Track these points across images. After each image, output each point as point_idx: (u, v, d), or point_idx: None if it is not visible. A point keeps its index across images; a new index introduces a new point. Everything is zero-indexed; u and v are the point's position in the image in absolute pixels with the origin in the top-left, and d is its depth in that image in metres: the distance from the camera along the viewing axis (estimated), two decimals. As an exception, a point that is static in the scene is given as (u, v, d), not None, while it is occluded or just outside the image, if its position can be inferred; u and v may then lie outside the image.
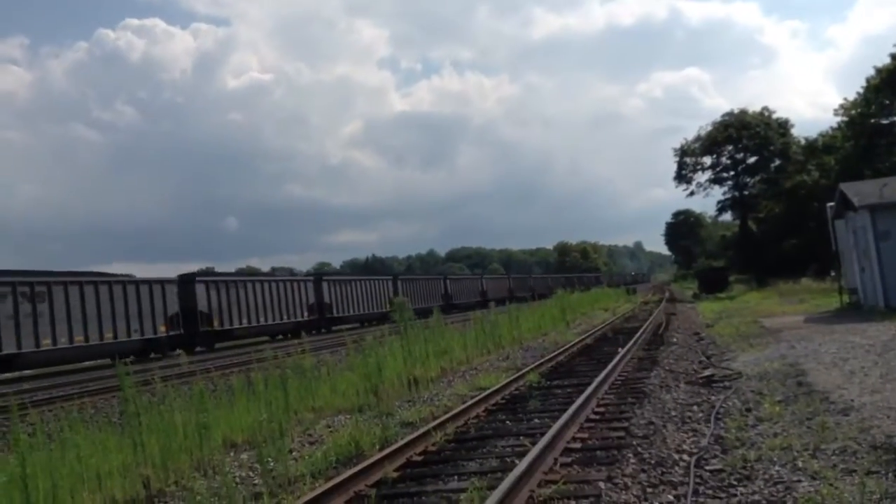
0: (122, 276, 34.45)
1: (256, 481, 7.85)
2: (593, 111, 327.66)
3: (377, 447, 8.61)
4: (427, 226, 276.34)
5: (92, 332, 30.03)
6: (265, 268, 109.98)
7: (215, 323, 36.79)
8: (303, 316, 44.05)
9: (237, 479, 7.84)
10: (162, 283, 34.92)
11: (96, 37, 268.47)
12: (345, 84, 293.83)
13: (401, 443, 8.21)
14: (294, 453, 8.95)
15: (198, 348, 35.48)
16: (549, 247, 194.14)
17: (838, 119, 53.40)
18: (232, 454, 9.30)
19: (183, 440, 8.66)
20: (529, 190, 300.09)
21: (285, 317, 42.81)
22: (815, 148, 57.01)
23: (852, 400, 8.43)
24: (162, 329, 33.96)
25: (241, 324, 38.73)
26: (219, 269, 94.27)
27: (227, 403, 10.91)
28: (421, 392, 13.62)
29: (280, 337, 41.20)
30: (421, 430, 8.81)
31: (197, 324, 35.99)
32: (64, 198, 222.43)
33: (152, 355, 32.21)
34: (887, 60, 44.69)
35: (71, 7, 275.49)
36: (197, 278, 37.83)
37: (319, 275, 53.07)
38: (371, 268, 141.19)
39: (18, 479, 6.69)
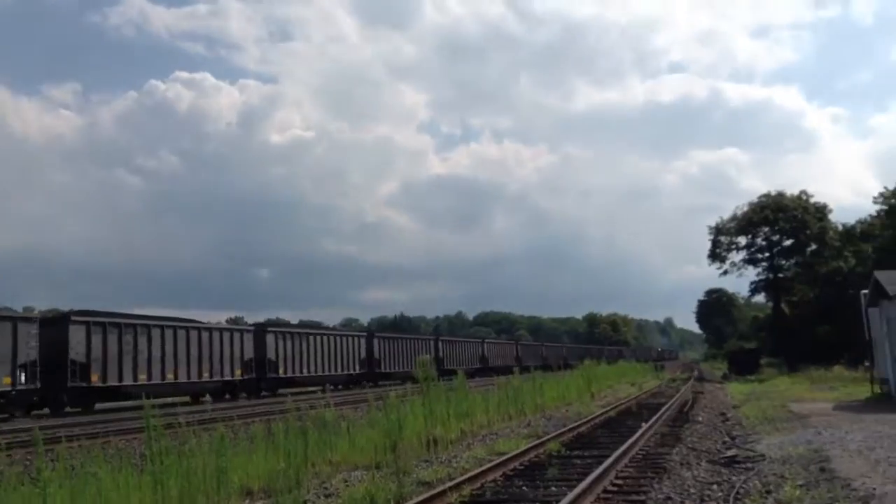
0: (205, 323, 37.39)
1: (270, 528, 7.90)
2: (629, 185, 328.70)
3: (392, 503, 8.63)
4: (456, 287, 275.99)
5: (181, 371, 32.81)
6: (294, 320, 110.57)
7: (280, 370, 39.24)
8: (355, 369, 46.24)
9: (251, 525, 7.90)
10: (241, 331, 38.28)
11: (147, 87, 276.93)
12: (384, 145, 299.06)
13: (415, 500, 8.24)
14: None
15: (263, 392, 37.75)
16: (579, 316, 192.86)
17: (877, 207, 53.10)
18: (248, 500, 9.37)
19: (202, 483, 8.76)
20: (561, 258, 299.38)
21: (340, 369, 45.09)
22: (853, 234, 56.53)
23: (874, 488, 8.29)
24: (238, 373, 36.48)
25: (301, 373, 40.83)
26: (248, 319, 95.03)
27: (246, 450, 11.01)
28: (440, 453, 13.59)
29: (331, 387, 40.24)
30: (437, 490, 8.83)
31: (265, 370, 38.52)
32: (105, 241, 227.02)
33: (227, 396, 35.21)
34: (929, 151, 44.56)
35: (124, 57, 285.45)
36: (268, 328, 41.12)
37: (372, 331, 55.37)
38: (399, 326, 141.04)
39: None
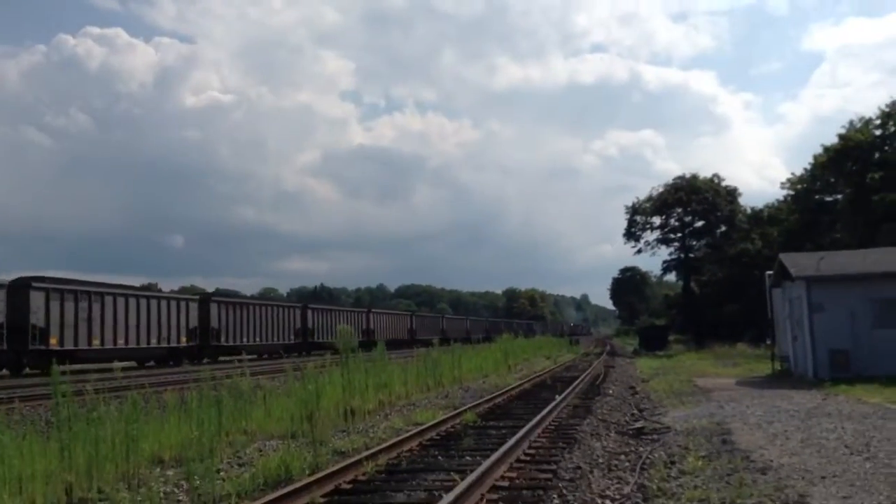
0: (155, 292, 41.11)
1: (181, 498, 7.78)
2: (549, 163, 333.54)
3: (307, 473, 8.61)
4: (377, 260, 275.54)
5: (130, 337, 34.19)
6: (210, 288, 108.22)
7: (222, 339, 40.70)
8: (290, 339, 47.87)
9: (162, 494, 7.76)
10: (187, 300, 39.99)
11: (56, 41, 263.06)
12: (306, 112, 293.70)
13: (331, 469, 8.25)
14: (222, 473, 8.88)
15: (205, 360, 37.86)
16: (498, 291, 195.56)
17: (784, 192, 55.42)
18: (159, 469, 9.18)
19: (110, 450, 8.53)
20: (482, 234, 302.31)
21: (277, 338, 46.80)
22: (761, 218, 58.96)
23: (772, 460, 8.75)
24: (183, 340, 38.05)
25: (242, 341, 42.06)
26: (162, 286, 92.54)
27: (157, 419, 10.76)
28: (357, 423, 13.62)
29: (266, 356, 44.30)
30: (352, 459, 8.86)
31: (209, 338, 40.03)
32: (10, 200, 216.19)
33: (171, 363, 36.21)
34: (835, 140, 46.67)
35: (30, 9, 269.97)
36: (213, 298, 42.54)
37: (306, 303, 55.43)
38: (320, 297, 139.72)
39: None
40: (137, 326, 34.43)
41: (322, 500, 7.33)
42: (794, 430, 11.18)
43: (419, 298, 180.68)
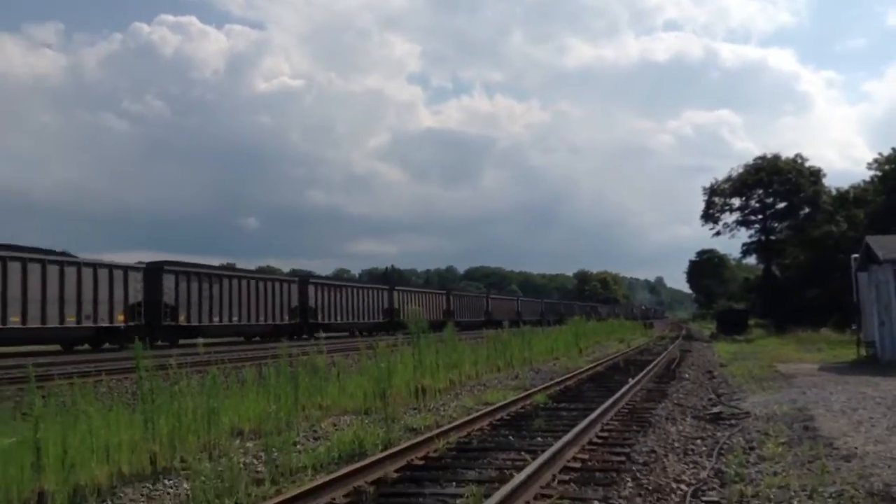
0: (257, 273, 42.88)
1: (260, 468, 8.00)
2: (622, 143, 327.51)
3: (380, 448, 8.73)
4: (446, 242, 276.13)
5: (244, 315, 37.55)
6: (286, 269, 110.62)
7: (319, 317, 42.75)
8: (378, 318, 50.11)
9: (241, 464, 7.99)
10: (289, 282, 42.68)
11: (131, 29, 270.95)
12: (374, 96, 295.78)
13: (403, 445, 8.35)
14: (298, 446, 9.10)
15: (304, 336, 39.63)
16: (569, 273, 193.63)
17: (871, 173, 53.06)
18: (238, 441, 9.47)
19: (192, 422, 8.83)
20: (552, 215, 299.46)
21: (366, 318, 49.56)
22: (846, 199, 56.55)
23: (856, 448, 8.42)
24: (286, 318, 40.33)
25: (336, 319, 45.08)
26: (239, 266, 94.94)
27: (237, 393, 11.08)
28: (428, 402, 13.74)
29: (357, 333, 44.23)
30: (424, 436, 8.94)
31: (307, 316, 42.40)
32: (90, 183, 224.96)
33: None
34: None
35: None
36: (310, 280, 45.93)
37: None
38: (390, 279, 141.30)
39: (31, 443, 6.89)
40: (248, 305, 38.31)
41: (395, 474, 7.43)
42: (881, 417, 10.73)
43: (489, 280, 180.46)
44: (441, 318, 55.73)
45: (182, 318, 34.15)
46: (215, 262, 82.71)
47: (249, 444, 9.23)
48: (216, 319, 36.15)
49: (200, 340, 27.01)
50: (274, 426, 9.16)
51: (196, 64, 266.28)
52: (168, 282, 33.61)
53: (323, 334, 35.00)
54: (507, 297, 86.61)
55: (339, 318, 46.45)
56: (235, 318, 37.43)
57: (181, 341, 32.36)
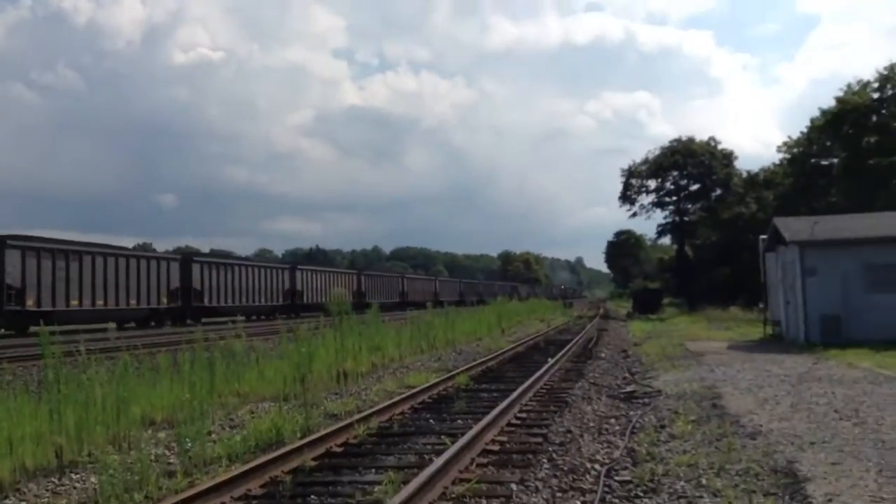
0: (132, 250, 39.42)
1: (172, 460, 7.80)
2: (543, 125, 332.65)
3: (298, 435, 8.63)
4: (372, 221, 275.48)
5: (110, 298, 33.75)
6: (205, 248, 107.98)
7: (205, 300, 39.97)
8: (278, 300, 47.32)
9: (152, 457, 7.77)
10: (168, 259, 39.67)
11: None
12: (298, 70, 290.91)
13: (322, 433, 8.27)
14: (213, 436, 8.91)
15: (188, 322, 37.16)
16: (493, 254, 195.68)
17: (780, 156, 55.18)
18: (150, 431, 9.20)
19: (101, 413, 8.52)
20: (476, 196, 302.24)
21: (264, 300, 46.51)
22: (756, 182, 58.73)
23: (761, 425, 8.78)
24: (164, 301, 37.60)
25: (226, 302, 42.01)
26: (157, 246, 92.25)
27: (149, 381, 10.75)
28: (349, 386, 13.67)
29: (254, 318, 44.11)
30: (344, 422, 8.88)
31: (190, 299, 39.54)
32: (1, 159, 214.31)
33: (152, 323, 35.60)
34: (832, 103, 46.33)
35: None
36: (194, 258, 42.24)
37: (295, 264, 54.72)
38: (314, 258, 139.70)
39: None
40: (116, 286, 33.83)
41: (313, 462, 7.35)
42: (785, 394, 11.22)
43: (414, 261, 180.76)
44: (352, 299, 55.42)
45: (30, 303, 29.18)
46: (130, 242, 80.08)
47: (161, 435, 8.97)
48: (75, 303, 31.37)
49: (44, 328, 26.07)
50: (188, 415, 8.91)
51: (109, 33, 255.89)
52: (12, 259, 28.44)
53: (207, 320, 33.89)
54: (424, 277, 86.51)
55: (230, 300, 42.55)
56: (101, 302, 32.88)
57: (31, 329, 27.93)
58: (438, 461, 6.58)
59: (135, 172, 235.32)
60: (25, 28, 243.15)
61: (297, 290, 50.13)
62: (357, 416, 9.24)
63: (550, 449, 7.86)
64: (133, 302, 34.96)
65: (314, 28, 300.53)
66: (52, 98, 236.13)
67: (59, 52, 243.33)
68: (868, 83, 45.38)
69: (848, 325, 19.75)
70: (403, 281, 70.39)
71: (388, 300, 60.65)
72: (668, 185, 62.37)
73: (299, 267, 52.86)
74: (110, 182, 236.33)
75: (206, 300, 40.37)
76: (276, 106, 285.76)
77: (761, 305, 27.50)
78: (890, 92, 44.60)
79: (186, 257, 42.00)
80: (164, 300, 37.25)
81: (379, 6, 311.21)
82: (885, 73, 44.48)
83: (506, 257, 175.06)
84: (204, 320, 34.82)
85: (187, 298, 39.01)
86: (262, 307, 46.23)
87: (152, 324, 36.18)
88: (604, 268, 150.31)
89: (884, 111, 44.67)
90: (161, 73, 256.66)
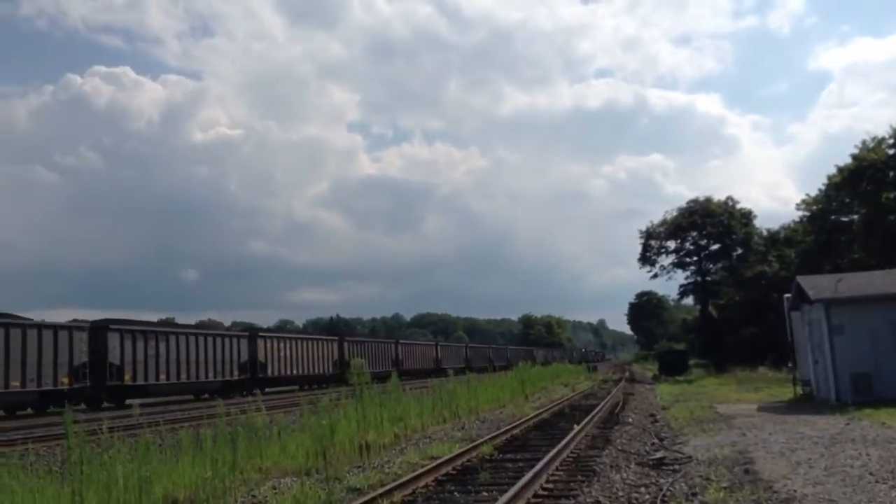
0: (208, 329, 40.00)
1: (194, 540, 7.68)
2: (558, 188, 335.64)
3: (321, 512, 8.49)
4: (390, 289, 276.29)
5: (192, 372, 36.03)
6: (227, 321, 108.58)
7: (127, 377, 32.99)
8: (233, 375, 41.18)
9: (174, 537, 7.66)
10: (238, 336, 41.08)
11: (63, 81, 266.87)
12: (314, 144, 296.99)
13: (345, 508, 8.13)
14: (236, 513, 8.78)
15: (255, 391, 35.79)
16: (514, 318, 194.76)
17: (800, 213, 55.00)
18: (172, 511, 9.09)
19: (123, 493, 8.45)
20: (494, 260, 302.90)
21: (315, 370, 47.79)
22: (777, 240, 58.47)
23: (795, 490, 8.54)
24: (235, 374, 39.19)
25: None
26: (178, 320, 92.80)
27: (172, 458, 10.68)
28: (372, 458, 13.47)
29: (305, 387, 45.10)
30: (367, 497, 8.74)
31: (257, 370, 40.77)
32: (20, 239, 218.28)
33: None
34: (848, 160, 46.33)
35: (37, 49, 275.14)
36: (258, 334, 43.28)
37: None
38: (335, 328, 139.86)
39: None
40: (197, 362, 36.99)
41: (336, 540, 7.21)
42: (818, 457, 10.93)
43: (435, 327, 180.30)
44: (389, 367, 55.07)
45: (128, 378, 32.79)
46: (153, 317, 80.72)
47: (184, 514, 8.86)
48: (163, 378, 34.91)
49: (136, 402, 26.06)
50: (210, 493, 8.83)
51: (131, 115, 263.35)
52: (113, 340, 32.34)
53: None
54: (423, 342, 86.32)
55: (288, 371, 45.27)
56: (184, 376, 36.27)
57: (128, 401, 31.66)
58: (464, 536, 6.43)
59: (156, 250, 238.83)
60: (47, 112, 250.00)
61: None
62: (380, 490, 9.08)
63: (579, 521, 7.66)
64: (210, 375, 37.91)
65: (329, 103, 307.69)
66: (73, 178, 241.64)
67: (81, 135, 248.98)
68: (883, 139, 45.42)
69: (879, 383, 19.34)
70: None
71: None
72: (687, 245, 62.23)
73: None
74: (131, 260, 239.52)
75: (269, 371, 42.80)
76: (294, 179, 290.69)
77: (790, 365, 27.02)
78: (906, 147, 44.52)
79: (253, 333, 44.32)
80: (235, 373, 40.01)
81: (392, 80, 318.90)
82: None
83: (527, 321, 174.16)
84: (267, 389, 37.90)
85: (254, 370, 41.56)
86: (314, 376, 48.02)
87: (233, 395, 36.89)
88: (627, 329, 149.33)
89: (901, 166, 44.52)
90: (182, 151, 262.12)
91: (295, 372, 45.94)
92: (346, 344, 53.09)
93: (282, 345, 45.00)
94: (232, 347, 40.27)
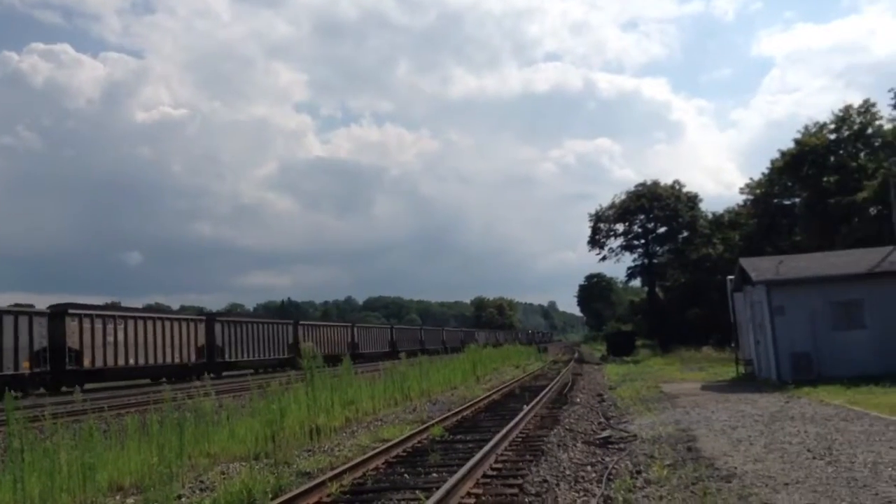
0: (167, 313, 40.23)
1: (140, 527, 7.59)
2: (508, 172, 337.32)
3: (270, 496, 8.45)
4: (342, 272, 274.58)
5: (150, 356, 36.32)
6: (175, 305, 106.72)
7: (86, 361, 33.50)
8: (190, 359, 41.40)
9: (120, 524, 7.56)
10: (195, 320, 41.03)
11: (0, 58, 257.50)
12: (261, 125, 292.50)
13: (294, 492, 8.11)
14: (183, 499, 8.70)
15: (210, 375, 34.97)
16: (467, 301, 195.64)
17: (744, 197, 56.32)
18: (117, 497, 8.96)
19: (66, 481, 8.30)
20: (445, 243, 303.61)
21: (271, 354, 48.13)
22: (721, 223, 59.80)
23: (735, 467, 8.80)
24: (193, 357, 39.42)
25: (242, 357, 43.09)
26: (123, 304, 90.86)
27: (117, 444, 10.51)
28: (322, 442, 13.46)
29: (261, 370, 44.30)
30: (316, 481, 8.73)
31: (214, 355, 41.07)
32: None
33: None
34: (791, 145, 47.55)
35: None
36: (216, 318, 43.76)
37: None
38: (287, 312, 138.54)
39: None
40: (155, 345, 37.47)
41: (285, 524, 7.20)
42: (758, 435, 11.27)
43: (387, 311, 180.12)
44: (346, 351, 54.95)
45: (87, 363, 33.01)
46: (98, 301, 78.59)
47: (129, 501, 8.74)
48: (121, 362, 35.16)
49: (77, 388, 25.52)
50: (157, 479, 8.72)
51: (70, 93, 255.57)
52: (71, 325, 32.40)
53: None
54: (410, 326, 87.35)
55: (244, 355, 45.48)
56: (142, 360, 36.56)
57: (87, 386, 31.78)
58: (413, 518, 6.48)
59: (98, 232, 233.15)
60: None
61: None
62: (330, 474, 9.08)
63: (527, 500, 7.78)
64: (168, 359, 38.32)
65: (277, 83, 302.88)
66: (11, 160, 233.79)
67: (19, 114, 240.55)
68: (824, 125, 46.70)
69: (819, 363, 19.96)
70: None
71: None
72: (635, 228, 63.23)
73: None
74: (73, 242, 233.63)
75: (226, 355, 43.21)
76: (241, 160, 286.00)
77: (733, 345, 27.71)
78: (847, 133, 45.90)
79: (210, 317, 44.72)
80: (193, 357, 40.23)
81: (340, 61, 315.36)
82: (841, 114, 45.84)
83: (479, 304, 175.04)
84: (224, 373, 38.65)
85: (211, 354, 41.88)
86: (269, 360, 47.95)
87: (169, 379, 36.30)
88: (577, 311, 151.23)
89: (841, 151, 45.90)
90: (123, 131, 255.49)
91: (252, 356, 46.23)
92: (300, 328, 53.20)
93: (238, 329, 45.50)
94: (189, 331, 40.53)
